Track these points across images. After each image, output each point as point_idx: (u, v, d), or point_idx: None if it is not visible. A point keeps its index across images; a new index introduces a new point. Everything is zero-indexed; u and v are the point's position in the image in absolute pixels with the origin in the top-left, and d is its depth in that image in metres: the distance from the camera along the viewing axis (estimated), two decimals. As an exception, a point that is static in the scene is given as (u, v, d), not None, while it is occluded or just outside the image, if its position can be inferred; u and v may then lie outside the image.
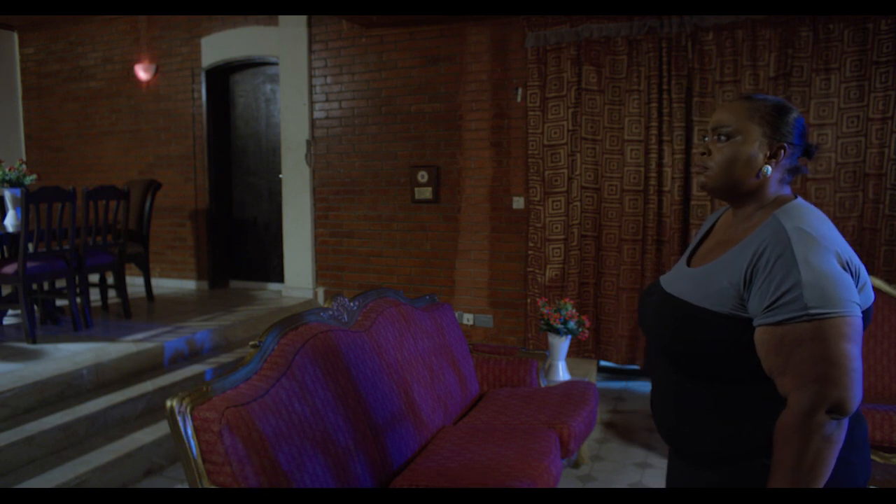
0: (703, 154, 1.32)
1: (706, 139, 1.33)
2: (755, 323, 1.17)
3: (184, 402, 1.85)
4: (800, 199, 1.28)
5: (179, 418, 1.84)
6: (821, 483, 1.11)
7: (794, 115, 1.28)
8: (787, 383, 1.14)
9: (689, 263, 1.41)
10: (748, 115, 1.27)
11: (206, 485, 1.85)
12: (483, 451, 2.47)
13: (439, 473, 2.29)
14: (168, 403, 1.86)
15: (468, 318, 4.94)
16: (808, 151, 1.32)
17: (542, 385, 3.32)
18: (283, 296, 5.54)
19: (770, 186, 1.29)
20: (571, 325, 3.50)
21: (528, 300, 4.64)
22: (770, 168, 1.27)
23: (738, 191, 1.29)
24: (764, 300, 1.15)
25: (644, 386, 4.57)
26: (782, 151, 1.27)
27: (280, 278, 5.72)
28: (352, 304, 2.74)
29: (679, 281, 1.34)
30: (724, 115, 1.30)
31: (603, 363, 4.71)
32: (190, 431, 1.84)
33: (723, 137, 1.29)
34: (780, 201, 1.28)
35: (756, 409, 1.22)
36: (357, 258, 5.30)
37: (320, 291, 5.43)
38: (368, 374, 2.48)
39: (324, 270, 5.44)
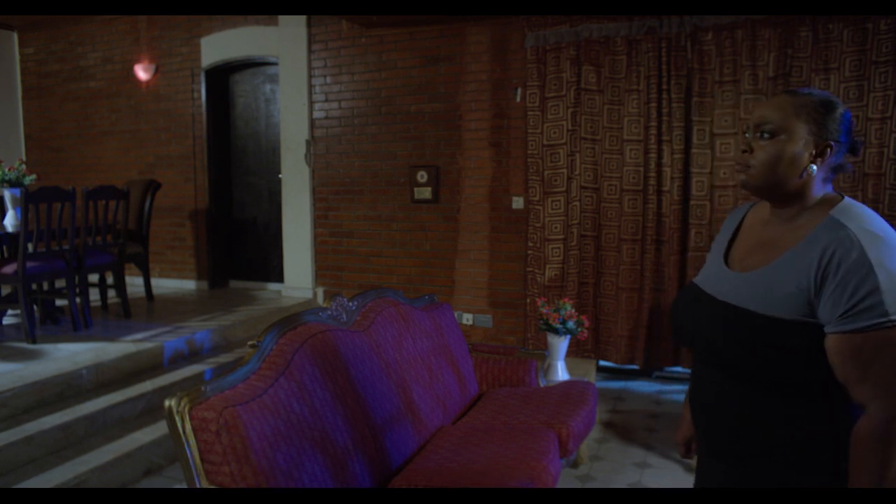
0: (744, 152, 1.25)
1: (747, 135, 1.26)
2: (828, 330, 1.12)
3: (182, 401, 1.85)
4: (849, 199, 1.22)
5: (177, 418, 1.85)
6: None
7: (841, 110, 1.22)
8: (866, 392, 1.09)
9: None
10: (793, 111, 1.21)
11: (204, 484, 1.85)
12: (481, 451, 2.47)
13: (437, 473, 2.29)
14: (166, 403, 1.86)
15: (468, 318, 4.94)
16: (853, 148, 1.25)
17: (541, 385, 3.32)
18: (282, 296, 5.54)
19: (814, 186, 1.23)
20: (570, 324, 3.50)
21: (528, 300, 4.64)
22: (815, 167, 1.21)
23: (781, 190, 1.23)
24: (838, 307, 1.10)
25: (643, 386, 4.57)
26: (829, 150, 1.21)
27: (280, 278, 5.72)
28: (350, 304, 2.74)
29: (729, 286, 1.27)
30: (767, 112, 1.23)
31: (602, 363, 4.71)
32: (188, 431, 1.84)
33: (766, 135, 1.22)
34: (830, 201, 1.22)
35: (820, 415, 1.18)
36: (357, 258, 5.30)
37: (320, 291, 5.44)
38: (367, 374, 2.48)
39: (323, 270, 5.44)
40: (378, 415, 2.42)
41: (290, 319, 2.38)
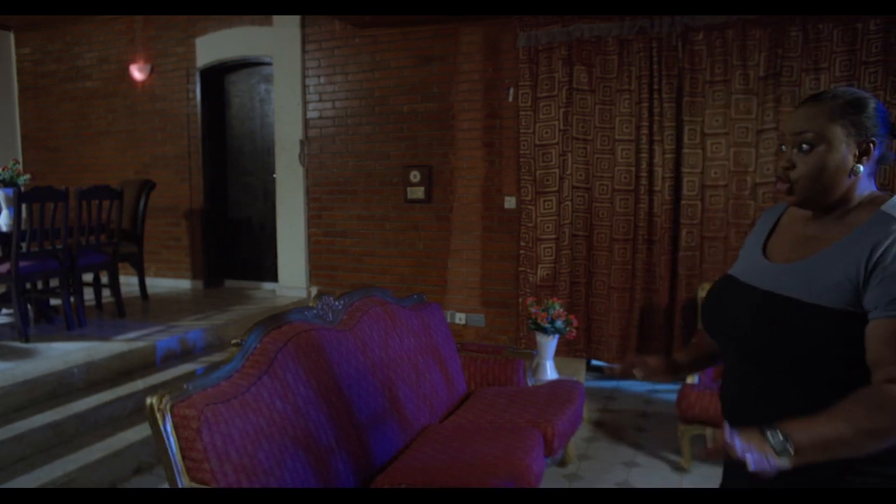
0: (786, 168, 1.24)
1: (784, 149, 1.26)
2: (872, 316, 1.13)
3: (163, 399, 1.87)
4: None
5: (159, 415, 1.86)
6: (862, 451, 1.08)
7: (873, 104, 1.22)
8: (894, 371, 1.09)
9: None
10: (828, 117, 1.20)
11: (186, 481, 1.86)
12: (466, 450, 2.49)
13: (421, 471, 2.31)
14: (148, 401, 1.87)
15: (461, 318, 4.96)
16: (893, 132, 1.25)
17: (529, 384, 3.33)
18: (277, 295, 5.56)
19: (860, 183, 1.23)
20: (559, 324, 3.52)
21: (520, 300, 4.65)
22: (862, 167, 1.21)
23: (830, 198, 1.23)
24: (886, 294, 1.11)
25: (635, 385, 4.57)
26: (872, 146, 1.21)
27: (274, 278, 5.74)
28: (337, 303, 2.75)
29: (770, 276, 1.26)
30: (800, 123, 1.22)
31: (595, 362, 4.73)
32: (169, 428, 1.86)
33: (805, 146, 1.21)
34: (879, 199, 1.23)
35: None
36: (350, 258, 5.31)
37: (314, 291, 5.45)
38: (352, 373, 2.49)
39: (317, 270, 5.46)
40: (363, 413, 2.43)
41: (275, 318, 2.39)
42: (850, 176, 1.21)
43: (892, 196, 1.23)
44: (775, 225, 1.39)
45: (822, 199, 1.23)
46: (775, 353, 1.20)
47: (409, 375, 2.84)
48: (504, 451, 2.45)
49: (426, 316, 3.24)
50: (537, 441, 2.58)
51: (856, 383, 1.14)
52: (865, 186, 1.24)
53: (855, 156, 1.20)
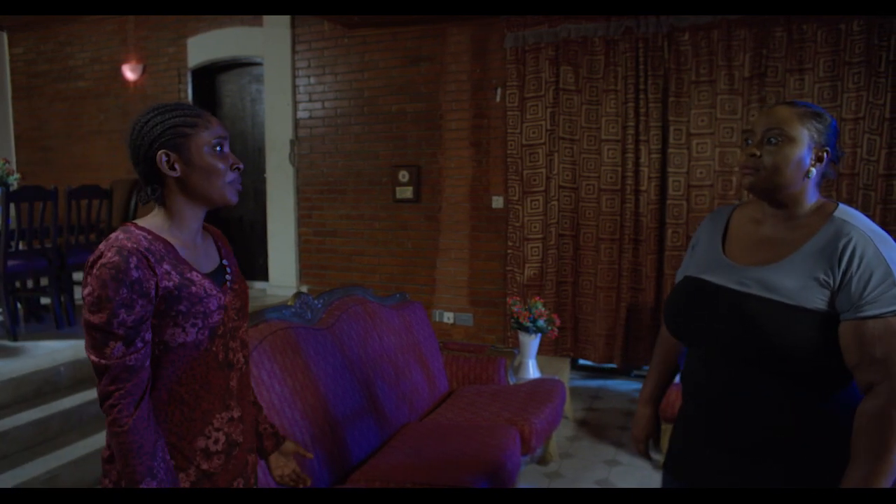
0: (752, 156, 1.34)
1: (749, 142, 1.36)
2: (846, 317, 1.23)
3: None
4: (842, 204, 1.35)
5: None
6: None
7: (829, 120, 1.34)
8: (876, 373, 1.20)
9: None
10: (798, 119, 1.32)
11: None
12: (442, 447, 2.51)
13: (396, 468, 2.33)
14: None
15: (449, 317, 4.98)
16: (837, 157, 1.37)
17: (510, 382, 3.35)
18: (267, 294, 5.58)
19: (809, 190, 1.34)
20: (541, 323, 3.54)
21: (508, 299, 4.66)
22: (815, 171, 1.32)
23: (786, 192, 1.33)
24: (857, 296, 1.21)
25: (621, 384, 4.59)
26: (826, 155, 1.33)
27: (265, 277, 5.75)
28: (316, 301, 2.77)
29: (745, 279, 1.34)
30: (773, 120, 1.33)
31: (582, 362, 4.74)
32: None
33: (773, 140, 1.32)
34: (826, 205, 1.34)
35: (826, 401, 1.28)
36: (340, 257, 5.33)
37: (304, 290, 5.47)
38: (329, 371, 2.51)
39: (308, 269, 5.48)
40: (339, 411, 2.45)
41: (252, 317, 2.41)
42: (805, 177, 1.32)
43: (837, 204, 1.34)
44: (726, 228, 1.48)
45: (778, 191, 1.33)
46: (750, 349, 1.29)
47: (389, 374, 2.86)
48: (479, 448, 2.47)
49: (408, 315, 3.26)
50: (513, 439, 2.60)
51: (825, 377, 1.27)
52: (813, 194, 1.35)
53: (812, 160, 1.32)
